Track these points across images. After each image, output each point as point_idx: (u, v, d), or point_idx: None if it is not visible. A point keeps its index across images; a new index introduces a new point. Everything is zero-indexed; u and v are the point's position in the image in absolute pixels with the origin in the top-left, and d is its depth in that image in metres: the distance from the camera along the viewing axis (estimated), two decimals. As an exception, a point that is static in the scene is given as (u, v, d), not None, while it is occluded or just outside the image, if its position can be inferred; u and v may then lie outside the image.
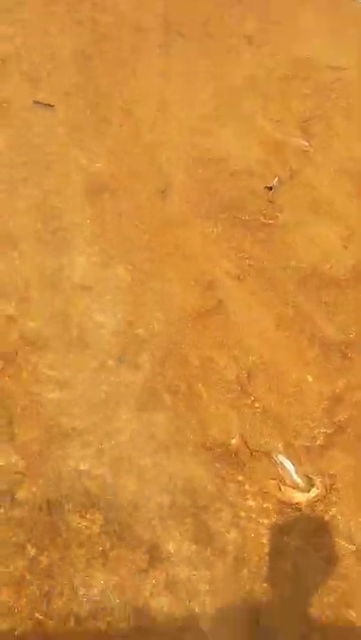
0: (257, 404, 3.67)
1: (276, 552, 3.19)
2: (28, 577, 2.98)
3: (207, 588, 3.04)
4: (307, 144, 5.33)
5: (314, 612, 3.06)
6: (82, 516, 3.17)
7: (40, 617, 2.88)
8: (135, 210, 4.55)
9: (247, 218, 4.65)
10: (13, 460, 3.31)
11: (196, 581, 3.05)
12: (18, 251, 4.15)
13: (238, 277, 4.23)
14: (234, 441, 3.52)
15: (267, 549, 3.18)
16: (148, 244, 4.33)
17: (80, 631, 2.88)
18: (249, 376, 3.78)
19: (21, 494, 3.21)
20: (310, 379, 3.83)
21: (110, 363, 3.72)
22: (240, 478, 3.39)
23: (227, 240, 4.45)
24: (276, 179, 4.96)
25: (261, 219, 4.68)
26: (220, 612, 3.00)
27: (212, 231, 4.49)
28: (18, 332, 3.77)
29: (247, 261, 4.34)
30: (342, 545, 3.26)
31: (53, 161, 4.78)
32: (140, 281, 4.12)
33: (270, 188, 4.90)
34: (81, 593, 2.96)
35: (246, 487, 3.36)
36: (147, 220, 4.49)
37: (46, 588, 2.96)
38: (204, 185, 4.82)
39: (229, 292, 4.14)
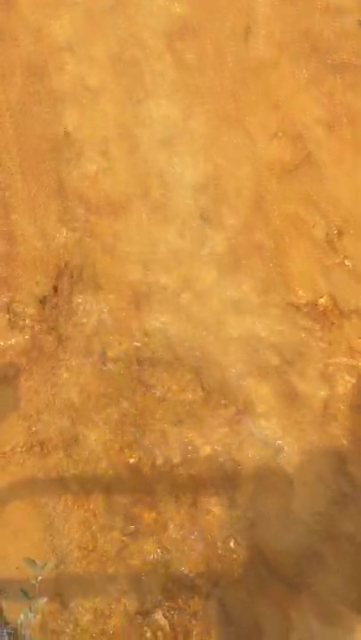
0: (347, 262, 3.52)
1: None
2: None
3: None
4: None
5: None
6: (172, 376, 3.23)
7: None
8: (217, 53, 4.14)
9: (339, 59, 4.18)
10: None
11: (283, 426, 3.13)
12: (98, 103, 3.91)
13: (330, 126, 3.89)
14: (322, 300, 3.42)
15: (356, 404, 3.19)
16: (231, 91, 3.99)
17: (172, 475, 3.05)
18: (339, 233, 3.59)
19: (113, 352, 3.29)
20: None
21: (194, 222, 3.60)
22: (329, 336, 3.33)
23: (317, 85, 4.05)
24: (372, 11, 4.39)
25: (354, 59, 4.20)
26: (307, 458, 3.09)
27: (301, 75, 4.08)
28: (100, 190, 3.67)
29: (339, 108, 3.96)
30: None
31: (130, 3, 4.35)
32: (223, 132, 3.85)
33: (365, 23, 4.36)
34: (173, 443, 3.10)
35: (335, 345, 3.31)
36: (230, 64, 4.11)
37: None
38: (291, 23, 4.31)
39: (320, 143, 3.83)
